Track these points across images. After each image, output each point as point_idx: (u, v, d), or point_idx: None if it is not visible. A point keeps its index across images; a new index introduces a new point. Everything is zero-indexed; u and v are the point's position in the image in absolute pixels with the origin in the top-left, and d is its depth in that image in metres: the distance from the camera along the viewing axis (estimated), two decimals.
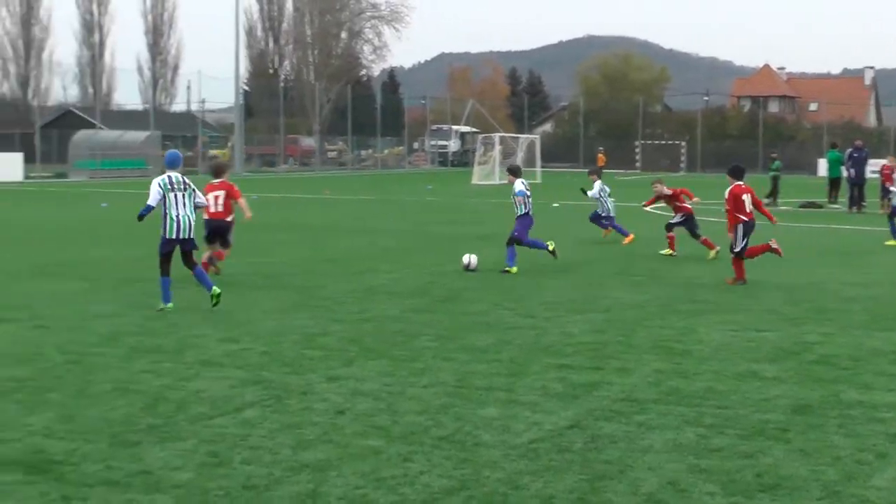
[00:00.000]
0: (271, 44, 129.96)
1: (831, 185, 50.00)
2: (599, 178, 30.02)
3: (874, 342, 14.57)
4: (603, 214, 29.40)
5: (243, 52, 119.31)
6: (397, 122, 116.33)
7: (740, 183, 20.97)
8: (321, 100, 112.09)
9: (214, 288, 16.84)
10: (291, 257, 24.19)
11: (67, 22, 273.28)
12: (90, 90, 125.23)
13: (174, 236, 16.83)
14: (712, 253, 24.82)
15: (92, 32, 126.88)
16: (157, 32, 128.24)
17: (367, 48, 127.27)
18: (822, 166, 72.09)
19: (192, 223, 17.03)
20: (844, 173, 47.82)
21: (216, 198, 20.61)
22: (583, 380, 12.00)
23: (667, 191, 26.44)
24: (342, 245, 27.29)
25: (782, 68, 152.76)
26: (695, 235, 25.70)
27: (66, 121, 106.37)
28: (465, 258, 22.17)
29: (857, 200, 44.88)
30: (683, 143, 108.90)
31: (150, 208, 16.84)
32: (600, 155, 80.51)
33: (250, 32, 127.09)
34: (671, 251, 25.24)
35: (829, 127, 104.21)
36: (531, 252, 23.01)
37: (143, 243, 26.47)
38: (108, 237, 29.38)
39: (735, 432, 9.85)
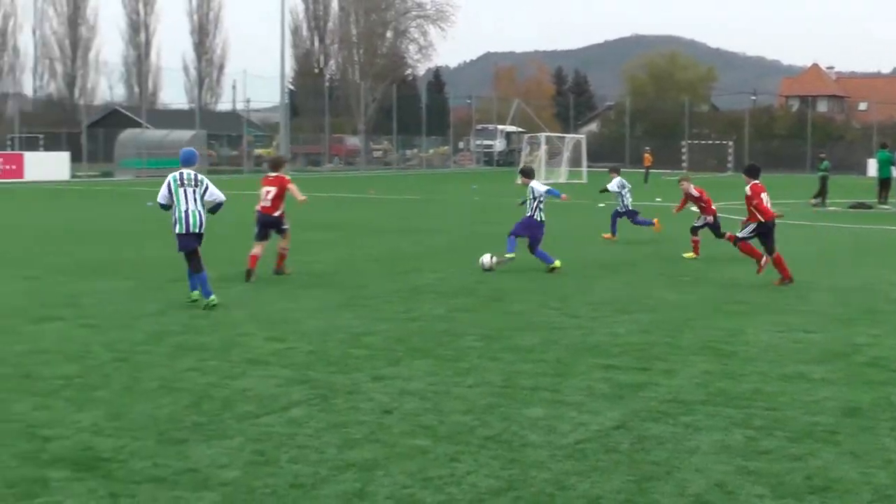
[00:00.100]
0: (317, 43, 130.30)
1: (881, 186, 49.68)
2: (619, 175, 30.26)
3: None
4: (621, 211, 29.44)
5: (289, 52, 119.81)
6: (442, 122, 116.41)
7: (758, 182, 20.92)
8: (366, 99, 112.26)
9: (194, 294, 17.10)
10: (337, 256, 24.21)
11: (114, 22, 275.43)
12: (136, 89, 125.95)
13: (183, 231, 16.95)
14: (689, 255, 24.93)
15: (138, 32, 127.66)
16: (203, 32, 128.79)
17: (412, 47, 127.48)
18: (872, 166, 71.70)
19: (202, 219, 17.13)
20: (894, 173, 47.48)
21: (268, 192, 20.75)
22: (629, 380, 11.94)
23: (693, 191, 26.24)
24: (387, 244, 27.29)
25: (831, 67, 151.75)
26: (719, 235, 25.55)
27: (112, 120, 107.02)
28: (484, 259, 22.29)
29: None
30: (730, 143, 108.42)
31: (162, 206, 17.16)
32: (647, 155, 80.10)
33: (296, 32, 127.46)
34: (695, 254, 25.01)
35: (878, 127, 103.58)
36: (580, 252, 22.92)
37: None
38: (154, 236, 29.49)
39: (784, 434, 9.77)
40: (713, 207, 26.09)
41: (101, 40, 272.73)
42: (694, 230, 25.52)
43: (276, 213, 20.71)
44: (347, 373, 12.23)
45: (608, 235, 29.13)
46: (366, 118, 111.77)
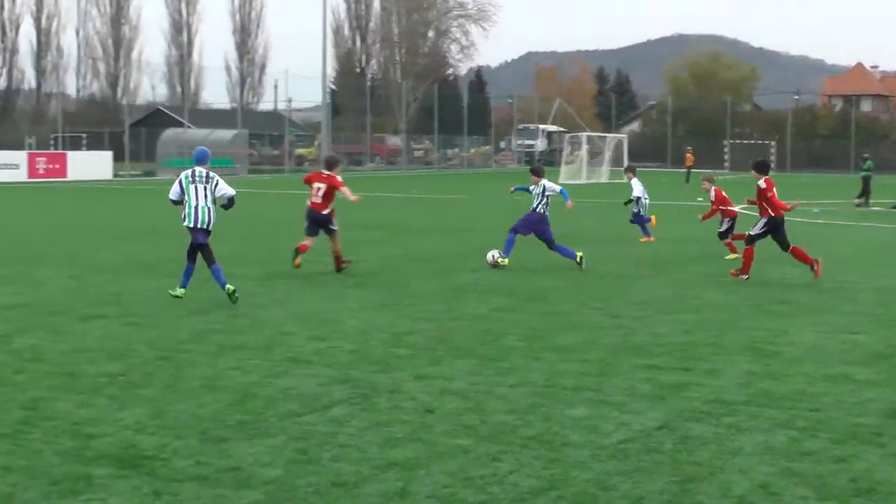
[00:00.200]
0: (358, 43, 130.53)
1: None
2: (635, 175, 30.23)
3: None
4: (643, 214, 29.42)
5: (330, 52, 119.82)
6: (484, 122, 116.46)
7: (768, 177, 20.89)
8: (408, 99, 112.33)
9: (181, 290, 17.23)
10: (378, 256, 24.23)
11: (156, 21, 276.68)
12: (178, 89, 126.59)
13: (193, 224, 17.20)
14: (731, 256, 24.57)
15: (180, 32, 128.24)
16: (245, 32, 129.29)
17: (454, 47, 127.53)
18: None
19: (211, 215, 17.35)
20: None
21: (318, 189, 21.05)
22: (672, 381, 11.90)
23: (711, 195, 25.89)
24: (429, 244, 27.32)
25: (875, 67, 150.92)
26: (723, 236, 25.43)
27: (154, 119, 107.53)
28: (492, 254, 22.44)
29: None
30: (773, 143, 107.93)
31: (173, 202, 17.53)
32: (689, 154, 79.84)
33: (338, 31, 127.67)
34: (735, 254, 24.79)
35: None
36: (621, 252, 22.86)
37: (230, 241, 26.65)
38: None
39: (827, 436, 9.71)
40: (734, 210, 25.79)
41: (143, 40, 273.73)
42: (722, 235, 25.27)
43: (325, 212, 20.88)
44: (389, 372, 12.24)
45: (645, 239, 29.03)
46: (407, 118, 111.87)
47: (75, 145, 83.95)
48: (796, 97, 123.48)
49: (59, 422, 9.92)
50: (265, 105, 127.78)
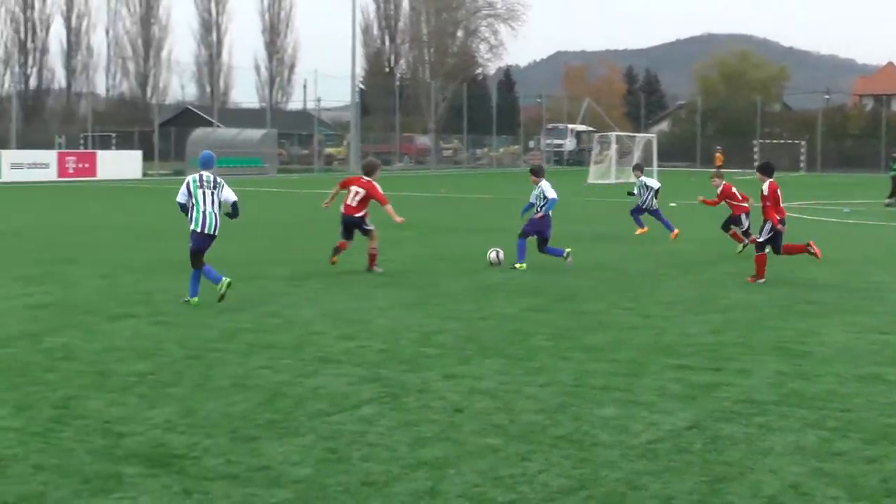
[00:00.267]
0: (387, 42, 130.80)
1: None
2: (643, 173, 30.73)
3: None
4: (644, 207, 29.64)
5: (360, 51, 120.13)
6: (513, 121, 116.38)
7: (773, 180, 20.84)
8: (436, 98, 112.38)
9: (195, 299, 17.07)
10: (407, 255, 24.24)
11: (186, 21, 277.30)
12: (208, 89, 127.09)
13: (200, 229, 17.20)
14: (739, 247, 25.34)
15: (210, 31, 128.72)
16: (275, 31, 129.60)
17: (482, 46, 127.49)
18: None
19: (218, 221, 17.35)
20: None
21: (356, 193, 21.17)
22: (701, 381, 11.87)
23: (718, 189, 26.11)
24: (458, 243, 27.32)
25: None
26: (726, 228, 25.73)
27: (183, 119, 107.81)
28: (492, 254, 22.59)
29: None
30: (803, 143, 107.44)
31: (179, 205, 17.48)
32: (718, 154, 79.73)
33: (367, 31, 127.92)
34: (741, 243, 25.41)
35: None
36: (653, 251, 22.81)
37: (260, 240, 26.75)
38: (224, 235, 29.64)
39: (859, 436, 9.67)
40: (745, 206, 25.80)
41: (173, 40, 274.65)
42: (745, 234, 25.27)
43: (359, 214, 20.95)
44: (418, 371, 12.25)
45: (640, 230, 29.28)
46: (436, 117, 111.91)
47: (105, 145, 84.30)
48: (826, 97, 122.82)
49: (89, 420, 9.96)
50: (294, 104, 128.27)
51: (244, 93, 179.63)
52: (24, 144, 74.49)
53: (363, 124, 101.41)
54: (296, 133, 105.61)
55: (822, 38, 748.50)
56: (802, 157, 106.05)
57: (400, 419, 10.10)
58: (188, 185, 17.29)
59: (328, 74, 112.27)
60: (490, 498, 7.99)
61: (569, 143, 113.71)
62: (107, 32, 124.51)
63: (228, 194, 17.46)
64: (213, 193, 17.24)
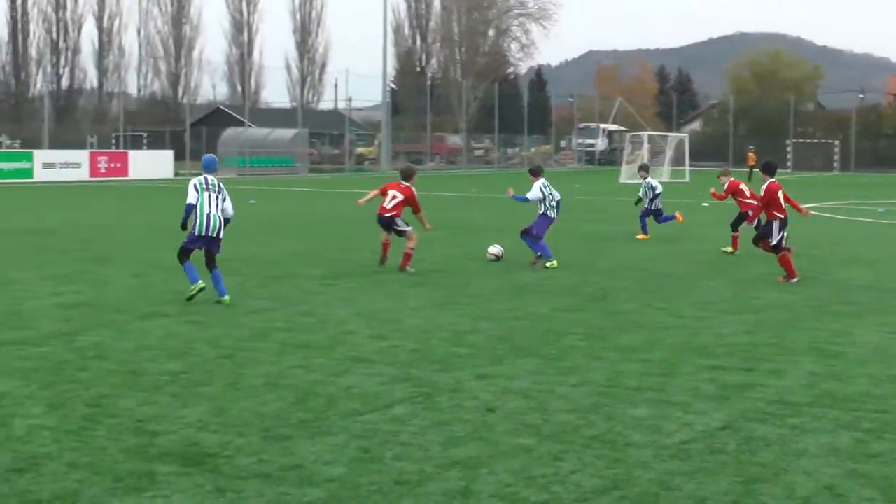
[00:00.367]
0: (418, 41, 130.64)
1: None
2: (648, 174, 30.87)
3: None
4: (651, 208, 29.64)
5: (391, 51, 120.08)
6: (544, 121, 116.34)
7: (774, 180, 20.89)
8: (468, 98, 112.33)
9: (226, 298, 17.01)
10: (439, 255, 24.22)
11: (217, 21, 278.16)
12: (239, 88, 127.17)
13: (202, 233, 17.14)
14: (728, 249, 25.75)
15: (241, 31, 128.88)
16: (306, 31, 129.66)
17: (514, 46, 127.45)
18: None
19: (222, 224, 17.32)
20: None
21: (394, 197, 21.37)
22: (735, 381, 11.83)
23: (725, 186, 26.13)
24: (489, 243, 27.25)
25: None
26: (735, 228, 25.97)
27: (215, 118, 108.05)
28: (493, 249, 23.21)
29: None
30: (836, 142, 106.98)
31: (191, 207, 17.23)
32: (750, 154, 79.38)
33: (398, 30, 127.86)
34: (732, 249, 25.61)
35: None
36: (684, 251, 22.75)
37: (293, 240, 26.80)
38: (257, 234, 29.76)
39: (894, 437, 9.61)
40: (752, 203, 25.68)
41: (204, 39, 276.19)
42: (755, 241, 25.15)
43: (390, 215, 21.07)
44: (450, 371, 12.24)
45: (642, 236, 29.16)
46: (467, 117, 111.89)
47: (136, 144, 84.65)
48: (860, 96, 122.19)
49: (122, 419, 9.99)
50: (325, 104, 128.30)
51: (275, 92, 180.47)
52: (56, 144, 74.87)
53: (394, 124, 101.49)
54: (327, 133, 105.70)
55: (855, 36, 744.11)
56: (836, 157, 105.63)
57: (432, 419, 10.09)
58: (195, 186, 17.27)
59: (359, 74, 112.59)
60: (523, 498, 7.97)
61: (600, 143, 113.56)
62: (138, 32, 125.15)
63: (228, 207, 17.49)
64: (217, 197, 17.28)
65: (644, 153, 75.10)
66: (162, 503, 7.83)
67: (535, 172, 23.66)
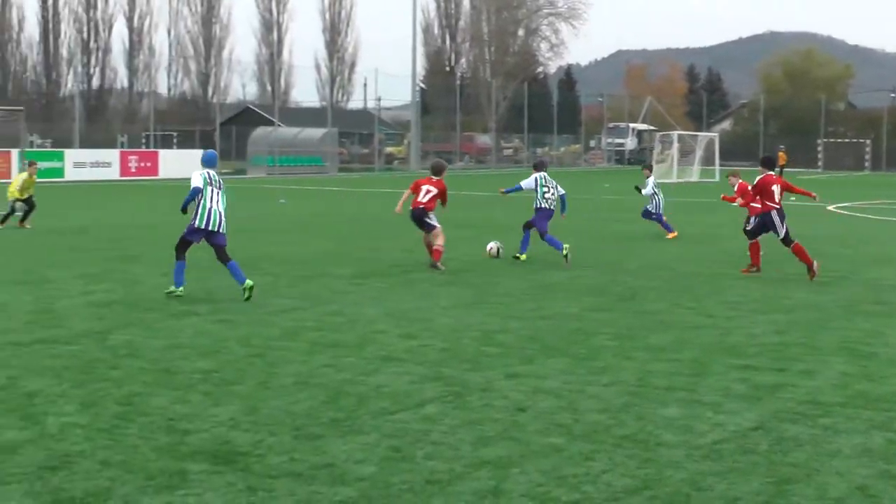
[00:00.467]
0: (448, 41, 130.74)
1: None
2: (652, 173, 30.80)
3: None
4: (653, 211, 29.48)
5: (420, 50, 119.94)
6: (573, 120, 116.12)
7: (771, 173, 21.19)
8: (497, 97, 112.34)
9: (247, 281, 17.25)
10: (468, 254, 24.22)
11: (247, 20, 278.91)
12: (268, 88, 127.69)
13: (203, 226, 17.31)
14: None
15: (271, 30, 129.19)
16: (335, 30, 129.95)
17: (543, 45, 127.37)
18: None
19: (223, 219, 17.48)
20: None
21: (428, 191, 21.61)
22: (766, 381, 11.79)
23: (735, 187, 25.88)
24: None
25: None
26: (745, 229, 25.51)
27: (244, 118, 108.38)
28: (491, 246, 23.56)
29: None
30: (868, 142, 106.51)
31: (197, 190, 17.39)
32: (781, 154, 79.08)
33: (427, 30, 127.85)
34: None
35: None
36: (711, 251, 22.69)
37: (323, 239, 26.83)
38: (287, 233, 29.83)
39: None
40: (758, 206, 25.48)
41: (234, 39, 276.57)
42: (748, 234, 25.02)
43: (424, 207, 21.26)
44: (481, 370, 12.24)
45: (671, 234, 29.00)
46: (496, 116, 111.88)
47: (166, 144, 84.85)
48: (892, 95, 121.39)
49: (154, 417, 10.03)
50: (355, 103, 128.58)
51: (305, 92, 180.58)
52: (86, 144, 75.14)
53: (423, 123, 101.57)
54: (356, 132, 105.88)
55: (887, 35, 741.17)
56: (867, 157, 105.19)
57: (463, 418, 10.09)
58: (202, 176, 17.49)
59: (388, 73, 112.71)
60: (554, 497, 7.97)
61: (630, 143, 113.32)
62: (168, 32, 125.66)
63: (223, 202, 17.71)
64: (218, 192, 17.49)
65: (674, 153, 74.93)
66: (193, 501, 7.86)
67: (537, 166, 24.34)
